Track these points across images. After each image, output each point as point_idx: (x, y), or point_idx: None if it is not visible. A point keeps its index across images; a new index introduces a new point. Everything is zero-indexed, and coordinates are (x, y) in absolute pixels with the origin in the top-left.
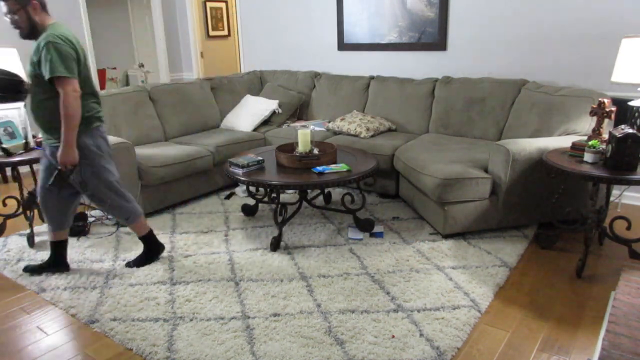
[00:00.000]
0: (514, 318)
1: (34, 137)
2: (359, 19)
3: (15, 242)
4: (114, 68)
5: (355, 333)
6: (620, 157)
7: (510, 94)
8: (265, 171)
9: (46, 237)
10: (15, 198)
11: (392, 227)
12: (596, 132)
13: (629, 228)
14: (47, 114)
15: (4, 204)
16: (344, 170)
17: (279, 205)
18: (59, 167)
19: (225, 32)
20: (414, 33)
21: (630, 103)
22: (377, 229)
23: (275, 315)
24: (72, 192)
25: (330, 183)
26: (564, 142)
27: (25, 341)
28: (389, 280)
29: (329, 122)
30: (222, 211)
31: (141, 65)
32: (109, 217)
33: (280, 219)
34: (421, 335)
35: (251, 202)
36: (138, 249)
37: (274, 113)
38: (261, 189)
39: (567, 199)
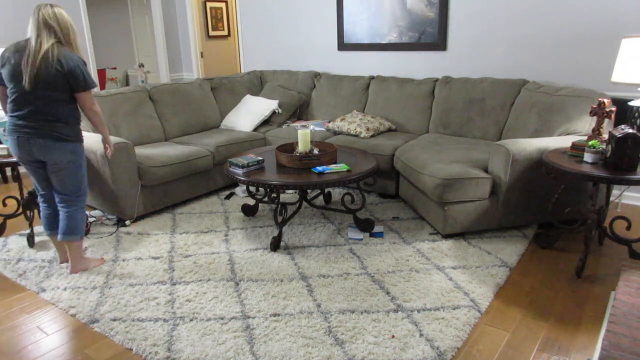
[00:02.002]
0: (514, 318)
1: None
2: (359, 19)
3: (15, 242)
4: (114, 68)
5: (355, 333)
6: (620, 157)
7: (510, 94)
8: (265, 171)
9: (46, 237)
10: (15, 198)
11: (392, 227)
12: (596, 132)
13: (629, 228)
14: None
15: (4, 204)
16: (344, 170)
17: (279, 205)
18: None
19: (225, 32)
20: (414, 33)
21: (630, 103)
22: (377, 229)
23: (275, 315)
24: None
25: (330, 183)
26: (564, 142)
27: (25, 341)
28: (389, 280)
29: (329, 122)
30: (222, 211)
31: (141, 65)
32: (109, 216)
33: (280, 219)
34: (421, 335)
35: (251, 202)
36: (138, 248)
37: (274, 113)
38: (261, 189)
39: (567, 199)
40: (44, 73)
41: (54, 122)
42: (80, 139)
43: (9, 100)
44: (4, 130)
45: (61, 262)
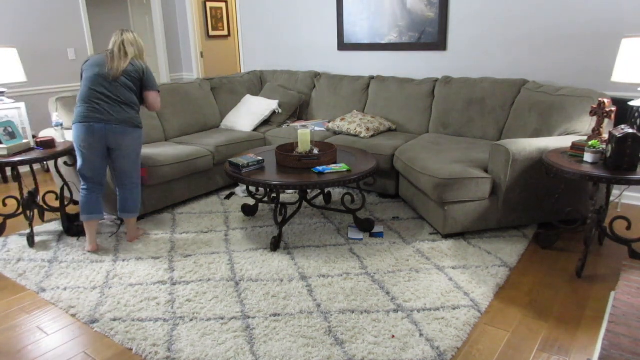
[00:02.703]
0: (514, 318)
1: (34, 137)
2: (359, 19)
3: (15, 242)
4: None
5: (355, 333)
6: (620, 157)
7: (510, 94)
8: (265, 171)
9: (46, 237)
10: (15, 198)
11: (392, 227)
12: (596, 132)
13: (629, 228)
14: None
15: (4, 204)
16: (344, 170)
17: (279, 205)
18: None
19: (225, 32)
20: (414, 33)
21: (630, 103)
22: (377, 229)
23: (275, 315)
24: None
25: (330, 183)
26: (564, 142)
27: (25, 341)
28: (389, 280)
29: (329, 122)
30: (222, 211)
31: None
32: (109, 216)
33: (280, 219)
34: (421, 335)
35: (251, 202)
36: (138, 248)
37: (274, 113)
38: (261, 189)
39: (567, 199)
40: (127, 70)
41: (131, 106)
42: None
43: (88, 86)
44: (4, 130)
45: (90, 250)
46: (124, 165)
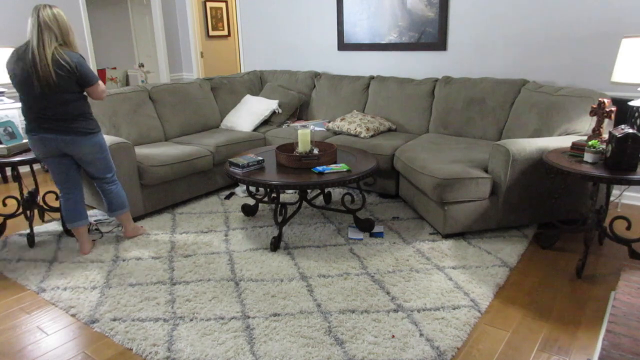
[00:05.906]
0: (514, 318)
1: None
2: (358, 19)
3: (15, 242)
4: (114, 68)
5: (355, 333)
6: (620, 157)
7: (510, 94)
8: (265, 171)
9: (46, 237)
10: (15, 198)
11: (392, 227)
12: (596, 132)
13: (629, 228)
14: None
15: (4, 204)
16: (344, 170)
17: (279, 205)
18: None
19: (225, 32)
20: (414, 33)
21: (630, 103)
22: (377, 229)
23: (275, 315)
24: None
25: (330, 183)
26: (564, 142)
27: (25, 341)
28: (389, 280)
29: (329, 122)
30: (222, 211)
31: (141, 65)
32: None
33: (280, 219)
34: (421, 335)
35: (251, 202)
36: (138, 248)
37: (274, 113)
38: (261, 189)
39: (567, 199)
40: (54, 78)
41: (74, 119)
42: (99, 128)
43: (24, 105)
44: (4, 130)
45: (83, 253)
46: (92, 170)
